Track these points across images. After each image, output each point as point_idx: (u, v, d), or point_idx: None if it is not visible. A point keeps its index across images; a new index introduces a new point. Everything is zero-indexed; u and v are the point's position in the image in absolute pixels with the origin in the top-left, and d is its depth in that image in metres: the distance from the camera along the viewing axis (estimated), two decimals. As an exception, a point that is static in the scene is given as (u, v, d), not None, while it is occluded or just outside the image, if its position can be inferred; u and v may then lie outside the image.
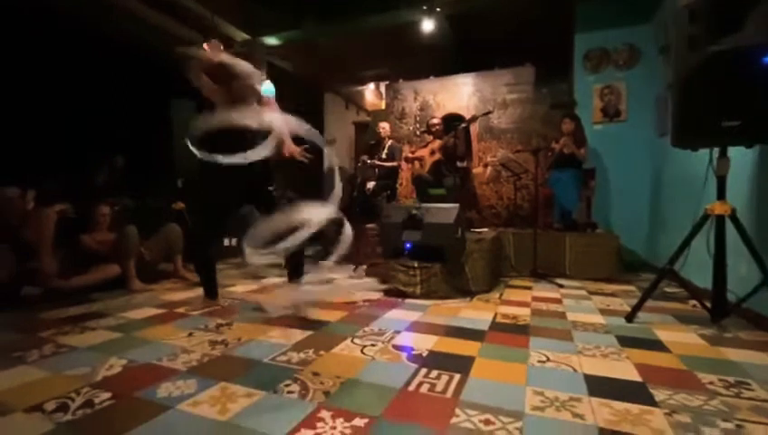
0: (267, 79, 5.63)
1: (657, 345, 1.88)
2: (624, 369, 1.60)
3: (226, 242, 4.59)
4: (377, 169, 4.86)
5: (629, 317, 2.25)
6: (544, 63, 4.79)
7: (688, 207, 2.53)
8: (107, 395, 1.34)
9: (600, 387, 1.43)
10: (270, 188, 2.45)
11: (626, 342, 1.91)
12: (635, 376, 1.53)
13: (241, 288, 3.08)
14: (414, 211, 2.95)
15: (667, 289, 2.94)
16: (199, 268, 2.71)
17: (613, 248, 3.54)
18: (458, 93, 5.19)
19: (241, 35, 5.14)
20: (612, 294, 2.95)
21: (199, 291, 2.76)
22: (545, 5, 4.58)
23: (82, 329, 2.07)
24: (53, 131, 4.07)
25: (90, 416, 1.22)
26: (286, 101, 5.89)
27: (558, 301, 2.76)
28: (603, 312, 2.47)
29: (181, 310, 2.46)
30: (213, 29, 4.73)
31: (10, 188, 2.78)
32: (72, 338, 1.93)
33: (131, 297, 2.82)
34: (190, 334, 1.99)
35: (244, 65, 2.02)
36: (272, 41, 5.35)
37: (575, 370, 1.58)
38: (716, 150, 2.08)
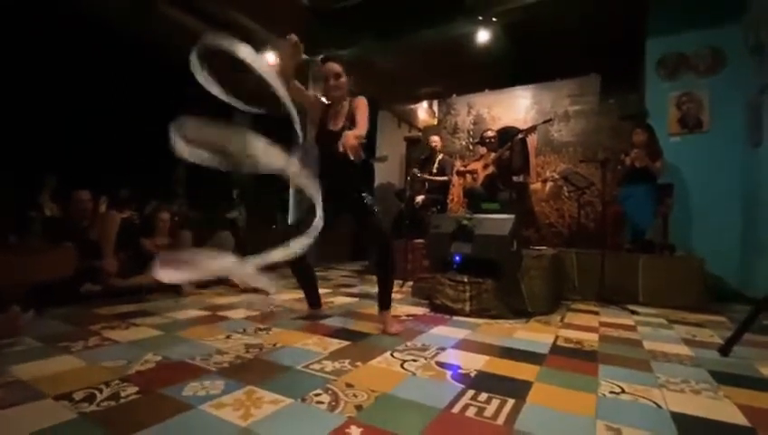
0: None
1: (764, 384, 1.53)
2: (724, 410, 1.29)
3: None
4: (426, 183, 4.72)
5: (724, 350, 1.88)
6: (611, 72, 4.44)
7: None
8: (134, 389, 1.29)
9: (694, 429, 1.15)
10: (363, 195, 2.18)
11: (722, 378, 1.57)
12: (740, 419, 1.22)
13: (286, 296, 3.04)
14: (465, 221, 2.75)
15: (767, 322, 2.47)
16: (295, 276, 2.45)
17: (696, 273, 3.09)
18: (515, 106, 4.96)
19: (299, 55, 5.33)
20: (698, 325, 2.53)
21: (246, 297, 3.01)
22: (612, 9, 4.27)
23: (128, 325, 2.10)
24: (126, 143, 4.40)
25: (113, 409, 1.17)
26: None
27: (631, 328, 2.40)
28: (689, 343, 2.10)
29: (224, 313, 2.45)
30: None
31: (82, 190, 2.99)
32: (117, 333, 1.95)
33: (180, 299, 2.87)
34: (228, 337, 1.94)
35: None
36: (328, 60, 5.48)
37: (659, 405, 1.30)
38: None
